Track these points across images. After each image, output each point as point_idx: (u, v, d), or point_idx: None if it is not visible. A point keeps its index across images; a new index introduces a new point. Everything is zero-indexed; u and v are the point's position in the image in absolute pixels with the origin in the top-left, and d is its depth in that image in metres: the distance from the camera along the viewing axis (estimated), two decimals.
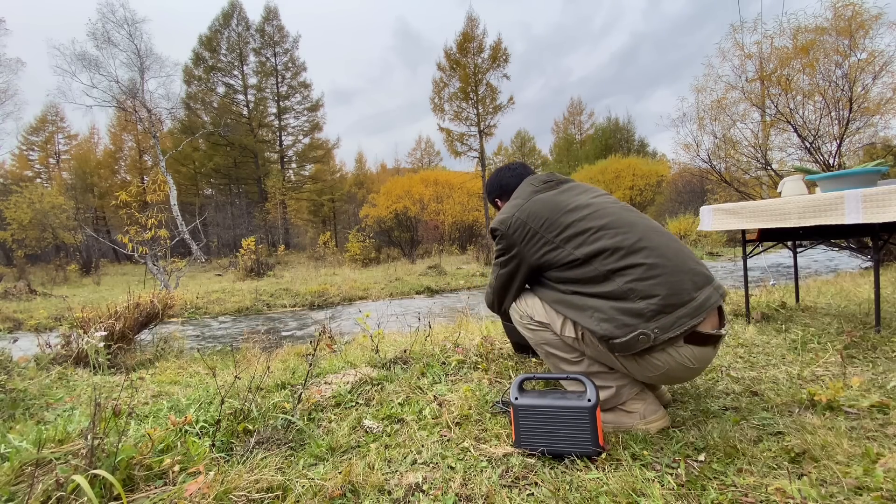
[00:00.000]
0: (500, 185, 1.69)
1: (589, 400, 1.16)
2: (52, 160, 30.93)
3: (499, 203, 1.73)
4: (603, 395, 1.31)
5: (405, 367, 2.04)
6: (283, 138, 31.78)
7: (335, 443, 1.33)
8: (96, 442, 1.05)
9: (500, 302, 1.54)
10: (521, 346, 1.90)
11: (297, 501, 1.04)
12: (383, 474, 1.15)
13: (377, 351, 2.23)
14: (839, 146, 6.24)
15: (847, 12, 5.98)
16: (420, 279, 10.54)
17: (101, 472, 0.97)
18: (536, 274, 1.41)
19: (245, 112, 30.38)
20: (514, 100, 24.08)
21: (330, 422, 1.51)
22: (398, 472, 1.16)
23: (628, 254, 1.21)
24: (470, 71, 23.66)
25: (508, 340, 2.11)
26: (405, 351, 2.21)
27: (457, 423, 1.44)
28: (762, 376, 1.73)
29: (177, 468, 1.13)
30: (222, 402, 1.42)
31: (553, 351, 1.37)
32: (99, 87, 18.99)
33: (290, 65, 30.83)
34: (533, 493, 1.03)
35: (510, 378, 1.83)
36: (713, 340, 1.23)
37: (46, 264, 18.96)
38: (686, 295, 1.18)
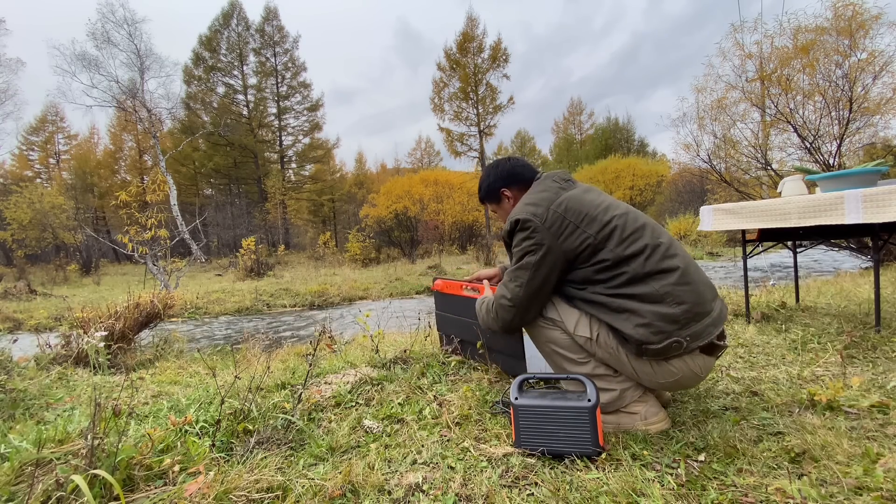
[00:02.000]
0: (512, 173, 1.52)
1: (589, 400, 1.16)
2: (52, 160, 30.93)
3: (506, 193, 1.53)
4: (606, 397, 1.30)
5: (405, 367, 2.04)
6: (283, 138, 31.80)
7: (335, 443, 1.33)
8: (96, 442, 1.05)
9: (523, 313, 1.32)
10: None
11: (297, 501, 1.04)
12: (383, 474, 1.15)
13: (377, 351, 2.23)
14: (839, 146, 6.24)
15: (847, 12, 5.98)
16: (420, 279, 10.54)
17: (101, 473, 0.97)
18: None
19: (245, 112, 30.38)
20: (514, 100, 24.12)
21: (330, 422, 1.51)
22: (398, 472, 1.16)
23: (665, 257, 1.22)
24: (470, 71, 23.66)
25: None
26: (405, 351, 2.21)
27: (457, 423, 1.44)
28: (762, 376, 1.73)
29: (177, 468, 1.13)
30: (222, 402, 1.42)
31: (559, 350, 1.35)
32: (99, 87, 19.01)
33: (290, 65, 30.84)
34: (533, 493, 1.03)
35: (510, 378, 1.83)
36: (718, 351, 1.28)
37: (46, 264, 18.95)
38: (708, 305, 1.22)
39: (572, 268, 1.28)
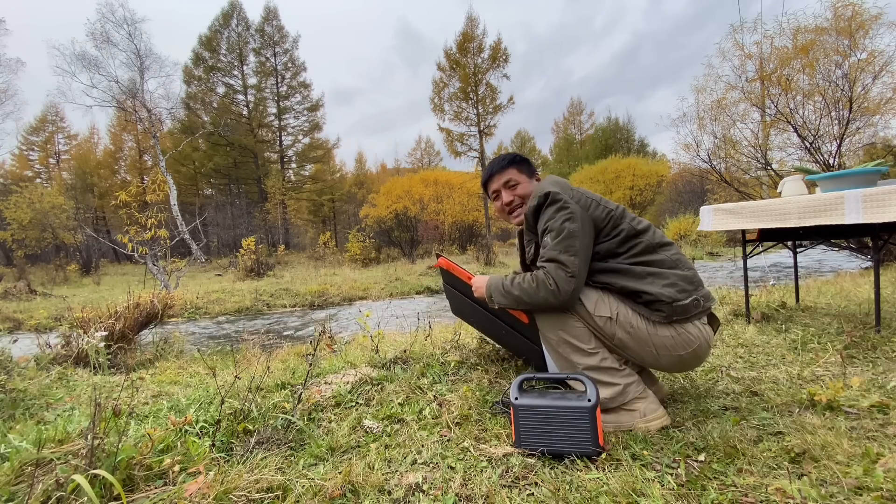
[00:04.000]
0: (526, 160, 1.59)
1: (589, 400, 1.16)
2: (52, 160, 30.93)
3: (516, 171, 1.54)
4: (609, 392, 1.30)
5: (405, 367, 2.04)
6: (283, 138, 31.79)
7: (335, 443, 1.33)
8: (96, 442, 1.05)
9: (579, 281, 1.28)
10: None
11: (297, 501, 1.04)
12: (383, 474, 1.15)
13: (377, 351, 2.23)
14: (839, 146, 6.24)
15: (847, 12, 5.98)
16: (420, 279, 10.54)
17: (101, 472, 0.97)
18: None
19: (245, 112, 30.37)
20: (514, 100, 24.08)
21: (330, 422, 1.51)
22: (398, 472, 1.16)
23: (664, 238, 1.39)
24: (470, 71, 23.64)
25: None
26: (405, 351, 2.21)
27: (457, 423, 1.44)
28: (762, 376, 1.73)
29: (177, 468, 1.13)
30: (222, 402, 1.42)
31: (569, 339, 1.34)
32: (99, 87, 19.00)
33: (289, 65, 30.83)
34: (533, 493, 1.03)
35: (510, 378, 1.83)
36: (716, 324, 1.43)
37: (46, 264, 18.95)
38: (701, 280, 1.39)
39: (597, 240, 1.36)
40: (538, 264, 1.34)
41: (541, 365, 1.68)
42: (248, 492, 1.04)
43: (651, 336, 1.28)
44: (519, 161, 1.57)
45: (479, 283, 1.53)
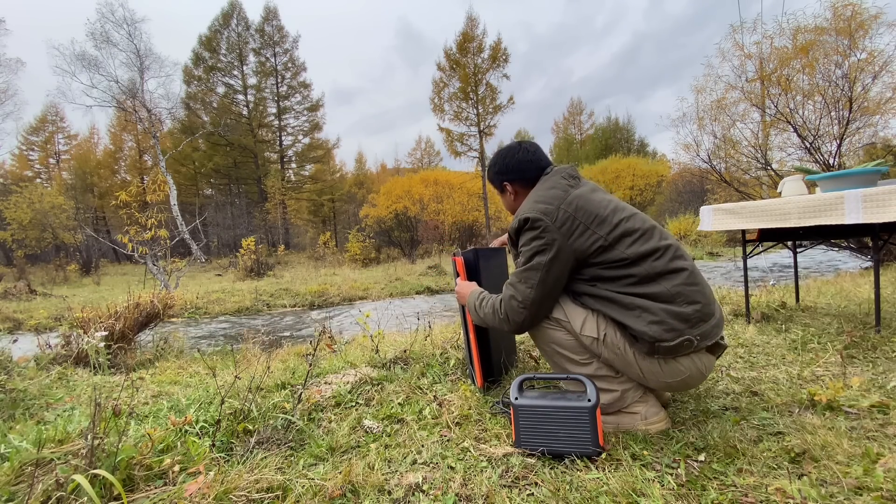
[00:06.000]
0: (517, 168, 1.49)
1: (589, 400, 1.16)
2: (52, 160, 30.93)
3: (507, 187, 1.53)
4: (607, 398, 1.30)
5: (405, 367, 2.04)
6: (283, 138, 31.80)
7: (335, 443, 1.33)
8: (96, 442, 1.05)
9: (535, 314, 1.29)
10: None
11: (297, 501, 1.04)
12: (383, 474, 1.15)
13: (377, 351, 2.23)
14: (839, 146, 6.24)
15: (846, 12, 5.98)
16: (420, 279, 10.54)
17: (102, 472, 0.97)
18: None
19: (245, 112, 30.37)
20: (514, 100, 24.02)
21: (330, 422, 1.51)
22: (398, 472, 1.16)
23: (674, 258, 1.23)
24: (470, 71, 23.62)
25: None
26: (405, 351, 2.21)
27: (457, 423, 1.44)
28: (762, 376, 1.73)
29: (177, 468, 1.13)
30: (222, 402, 1.42)
31: (562, 351, 1.33)
32: (99, 87, 18.99)
33: (289, 65, 30.84)
34: (533, 493, 1.03)
35: (510, 378, 1.83)
36: (720, 350, 1.30)
37: (46, 264, 18.96)
38: (713, 307, 1.24)
39: (581, 266, 1.27)
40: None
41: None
42: (248, 492, 1.04)
43: (637, 361, 1.24)
44: (491, 182, 1.59)
45: (463, 290, 1.58)
